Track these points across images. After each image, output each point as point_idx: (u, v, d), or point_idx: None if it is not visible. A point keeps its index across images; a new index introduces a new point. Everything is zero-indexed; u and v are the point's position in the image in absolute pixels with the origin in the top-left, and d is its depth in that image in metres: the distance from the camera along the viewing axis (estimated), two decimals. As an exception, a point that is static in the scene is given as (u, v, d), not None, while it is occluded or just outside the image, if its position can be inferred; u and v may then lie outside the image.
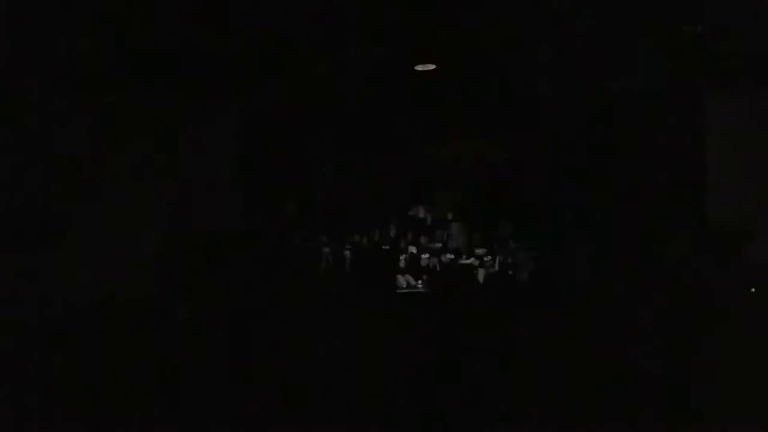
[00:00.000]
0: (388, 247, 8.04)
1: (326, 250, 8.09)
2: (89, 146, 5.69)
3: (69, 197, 5.50)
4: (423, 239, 8.33)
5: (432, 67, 7.08)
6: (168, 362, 4.86)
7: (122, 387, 4.55)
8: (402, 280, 7.80)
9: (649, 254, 6.72)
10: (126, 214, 6.01)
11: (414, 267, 7.98)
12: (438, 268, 7.47)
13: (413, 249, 8.19)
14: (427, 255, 8.04)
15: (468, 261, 8.05)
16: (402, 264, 7.74)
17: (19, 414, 4.08)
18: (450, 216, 9.22)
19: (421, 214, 9.10)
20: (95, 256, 5.63)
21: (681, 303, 5.46)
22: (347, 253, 7.86)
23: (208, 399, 4.47)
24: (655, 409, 3.88)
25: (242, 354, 5.09)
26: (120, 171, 6.00)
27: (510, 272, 7.76)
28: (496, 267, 7.87)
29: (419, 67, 7.08)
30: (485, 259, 8.04)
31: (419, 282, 7.83)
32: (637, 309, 5.64)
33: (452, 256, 7.86)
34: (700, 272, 6.11)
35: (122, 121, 5.94)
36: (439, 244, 8.24)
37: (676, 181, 7.99)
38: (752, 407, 3.66)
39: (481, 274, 7.70)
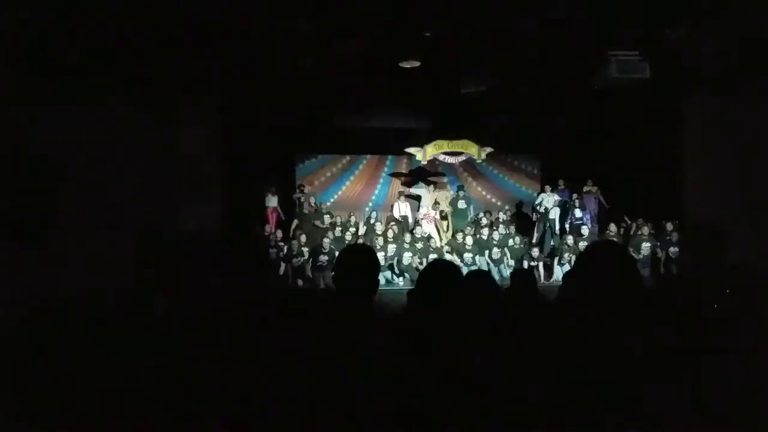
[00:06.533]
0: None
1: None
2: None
3: (51, 194, 5.39)
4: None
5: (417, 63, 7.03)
6: (146, 360, 4.76)
7: (97, 384, 4.42)
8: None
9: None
10: (106, 210, 5.90)
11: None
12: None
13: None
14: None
15: None
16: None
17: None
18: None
19: (402, 211, 9.06)
20: (74, 252, 5.52)
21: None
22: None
23: (188, 398, 4.38)
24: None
25: (221, 354, 4.99)
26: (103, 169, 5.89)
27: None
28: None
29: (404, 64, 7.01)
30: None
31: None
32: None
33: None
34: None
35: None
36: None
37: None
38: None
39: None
